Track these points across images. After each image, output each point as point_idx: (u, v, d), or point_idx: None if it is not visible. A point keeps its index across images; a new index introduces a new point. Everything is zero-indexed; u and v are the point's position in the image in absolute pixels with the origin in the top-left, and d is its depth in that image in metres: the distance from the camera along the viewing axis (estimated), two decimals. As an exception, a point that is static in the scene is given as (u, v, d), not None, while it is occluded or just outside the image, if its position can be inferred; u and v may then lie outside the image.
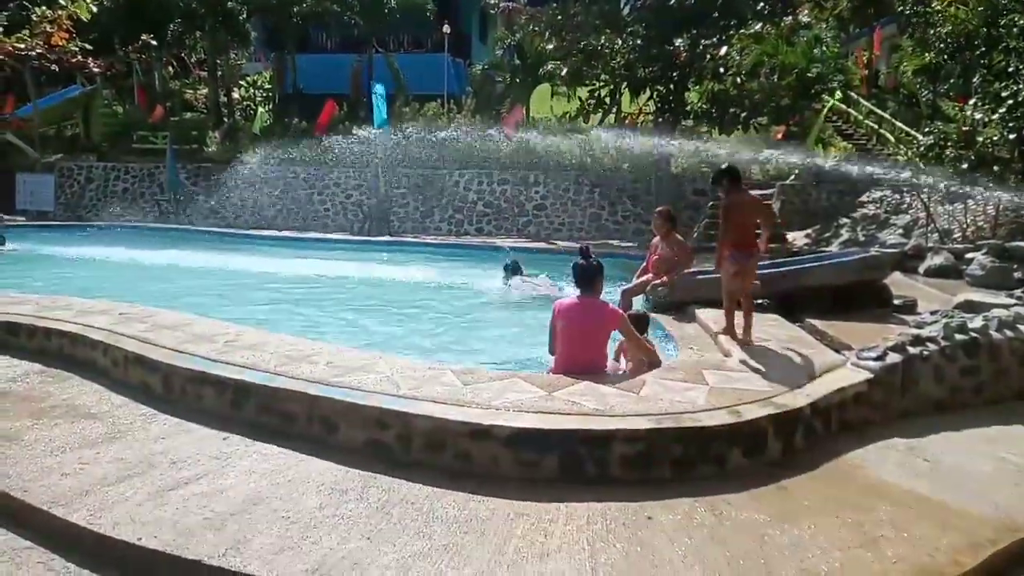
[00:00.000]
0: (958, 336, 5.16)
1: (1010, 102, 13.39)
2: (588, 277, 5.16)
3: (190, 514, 3.34)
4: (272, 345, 5.33)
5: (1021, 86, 13.39)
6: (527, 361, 6.36)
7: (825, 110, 18.99)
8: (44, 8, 18.76)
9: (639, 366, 5.16)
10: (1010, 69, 13.79)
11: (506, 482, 3.72)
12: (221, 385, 4.63)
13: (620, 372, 5.25)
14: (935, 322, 5.45)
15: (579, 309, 5.04)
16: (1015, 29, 13.34)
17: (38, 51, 19.98)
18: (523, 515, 3.41)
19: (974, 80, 15.88)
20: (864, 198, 16.38)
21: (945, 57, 16.43)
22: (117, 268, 13.60)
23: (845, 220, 15.75)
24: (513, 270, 11.42)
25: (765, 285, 7.58)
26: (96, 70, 24.83)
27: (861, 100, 22.02)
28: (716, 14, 20.37)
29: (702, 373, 4.81)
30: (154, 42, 27.17)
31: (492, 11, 31.68)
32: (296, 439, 4.20)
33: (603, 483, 3.73)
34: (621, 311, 5.31)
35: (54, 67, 21.22)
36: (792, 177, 18.40)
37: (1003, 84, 13.84)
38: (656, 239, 8.37)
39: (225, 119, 28.74)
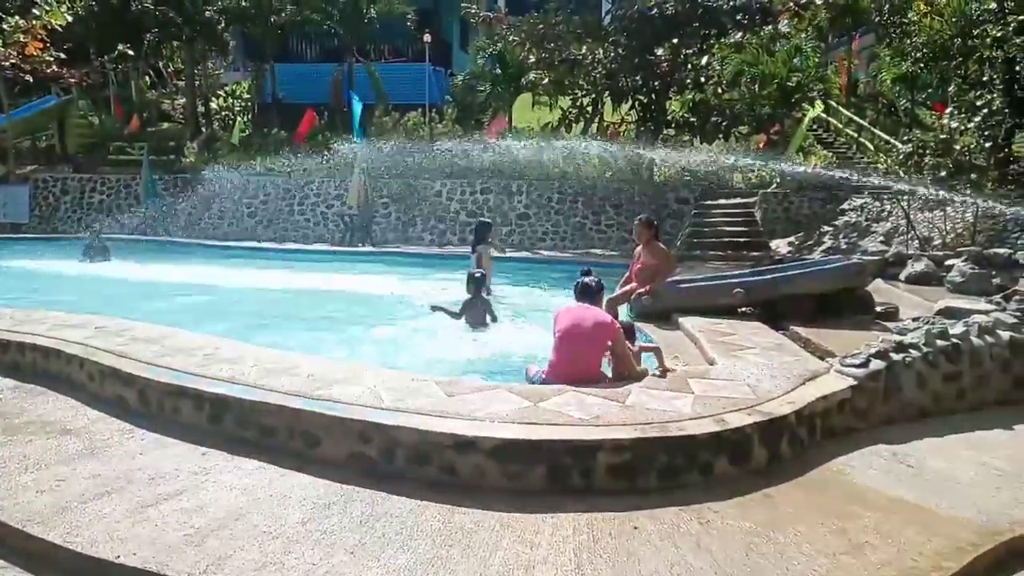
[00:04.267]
0: (940, 342, 5.21)
1: (985, 111, 13.64)
2: (590, 292, 5.37)
3: (170, 531, 3.28)
4: (252, 358, 5.26)
5: (995, 95, 13.65)
6: (511, 371, 6.33)
7: (807, 119, 19.19)
8: (17, 18, 18.52)
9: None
10: (984, 78, 14.04)
11: (492, 494, 3.69)
12: (199, 399, 4.56)
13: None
14: (917, 328, 5.49)
15: (578, 315, 5.09)
16: (988, 39, 13.58)
17: (11, 61, 19.72)
18: (509, 527, 3.38)
19: (950, 89, 16.15)
20: (845, 206, 16.56)
21: (922, 66, 16.70)
22: (91, 282, 13.38)
23: (827, 228, 15.91)
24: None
25: (749, 293, 7.63)
26: (71, 80, 24.56)
27: (841, 109, 22.31)
28: (696, 24, 20.56)
29: (687, 382, 4.82)
30: (131, 52, 26.94)
31: (473, 20, 31.77)
32: (277, 453, 4.15)
33: (589, 493, 3.71)
34: (617, 324, 5.31)
35: (28, 77, 20.96)
36: (774, 185, 18.57)
37: (978, 93, 14.10)
38: (638, 248, 8.39)
39: (203, 129, 28.53)
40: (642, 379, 5.10)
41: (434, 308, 8.52)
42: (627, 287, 8.24)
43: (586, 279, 5.60)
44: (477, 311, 8.33)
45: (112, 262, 15.44)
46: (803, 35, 25.59)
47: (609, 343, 5.13)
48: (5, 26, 18.39)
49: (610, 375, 5.38)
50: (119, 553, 3.11)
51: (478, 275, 8.56)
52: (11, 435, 4.49)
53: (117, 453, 4.21)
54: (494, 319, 8.40)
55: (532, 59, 23.55)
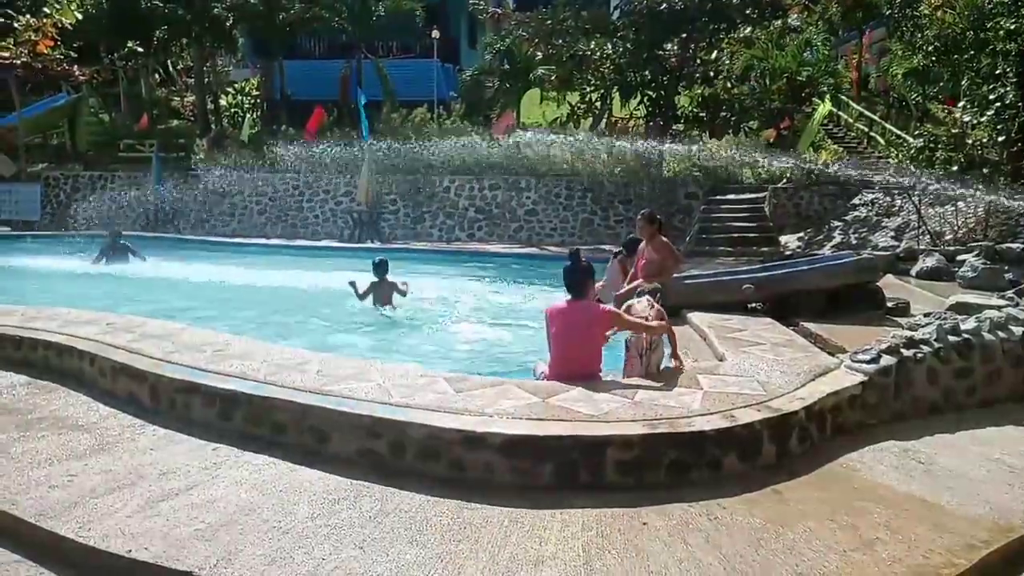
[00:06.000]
0: (951, 338, 5.17)
1: (998, 104, 13.54)
2: (577, 280, 5.10)
3: (180, 525, 3.30)
4: (262, 354, 5.28)
5: (1008, 88, 13.53)
6: (519, 368, 6.33)
7: (818, 116, 19.07)
8: (29, 16, 18.62)
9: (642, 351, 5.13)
10: (997, 72, 13.92)
11: (500, 489, 3.69)
12: (210, 395, 4.58)
13: (642, 371, 5.16)
14: (928, 324, 5.45)
15: (568, 312, 5.01)
16: (1001, 32, 13.46)
17: (23, 59, 19.83)
18: (517, 522, 3.38)
19: (962, 83, 16.02)
20: (856, 201, 16.47)
21: (933, 60, 16.57)
22: (98, 280, 13.39)
23: (837, 223, 15.84)
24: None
25: (759, 289, 7.60)
26: (81, 78, 24.65)
27: (851, 103, 22.19)
28: (705, 18, 20.48)
29: (696, 378, 4.80)
30: (140, 49, 27.03)
31: (481, 17, 31.74)
32: (287, 449, 4.16)
33: (598, 489, 3.71)
34: (612, 309, 5.24)
35: (40, 75, 21.08)
36: (784, 180, 18.49)
37: (991, 87, 13.99)
38: (643, 243, 8.35)
39: (212, 126, 28.63)
40: (664, 332, 5.12)
41: (351, 283, 9.45)
42: (633, 283, 8.21)
43: (572, 264, 5.20)
44: (384, 293, 9.52)
45: (135, 263, 14.53)
46: (813, 29, 25.48)
47: (609, 332, 5.07)
48: (16, 24, 18.48)
49: (639, 364, 5.30)
50: (130, 547, 3.13)
51: (377, 261, 9.67)
52: (24, 431, 4.52)
53: (128, 449, 4.24)
54: (403, 294, 9.59)
55: (540, 55, 23.53)
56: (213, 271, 13.75)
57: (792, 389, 4.52)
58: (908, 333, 5.32)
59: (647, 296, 5.65)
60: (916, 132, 16.59)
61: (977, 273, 9.70)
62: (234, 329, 7.04)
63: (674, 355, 5.23)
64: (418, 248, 18.22)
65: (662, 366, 5.19)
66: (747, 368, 5.04)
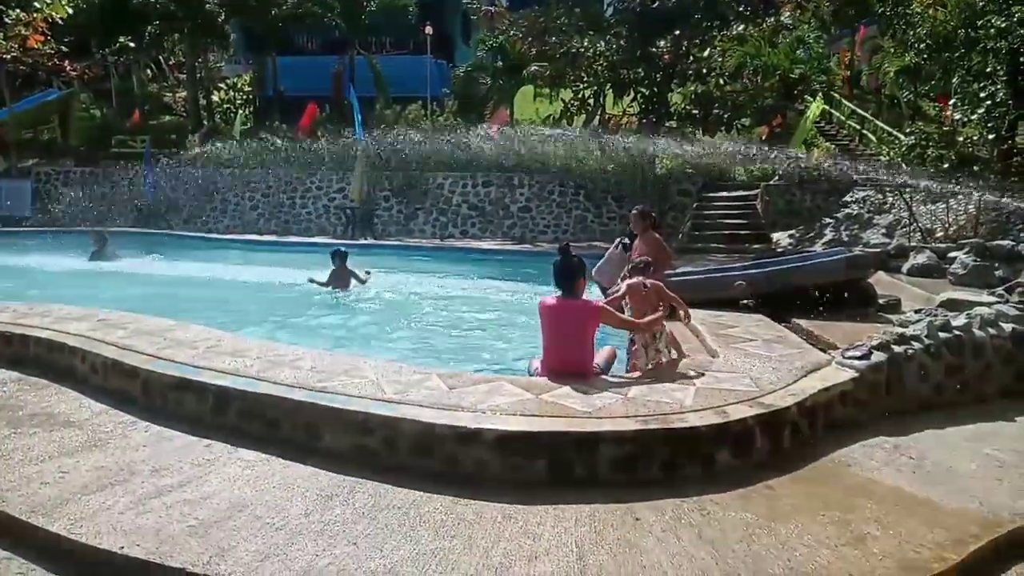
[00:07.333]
0: (942, 334, 5.20)
1: (988, 102, 13.61)
2: (567, 275, 5.07)
3: (173, 522, 3.29)
4: (255, 350, 5.27)
5: (999, 86, 13.60)
6: (513, 363, 6.34)
7: (811, 115, 19.14)
8: (19, 11, 18.45)
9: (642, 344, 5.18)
10: (988, 70, 13.99)
11: (494, 485, 3.70)
12: (203, 391, 4.57)
13: (648, 366, 5.16)
14: (919, 320, 5.48)
15: (559, 309, 5.00)
16: (992, 30, 13.52)
17: (13, 54, 19.68)
18: (511, 518, 3.39)
19: (954, 81, 16.09)
20: (847, 198, 16.54)
21: (925, 58, 16.64)
22: (94, 276, 13.32)
23: (829, 220, 15.91)
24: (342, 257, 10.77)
25: (751, 285, 7.63)
26: (73, 73, 24.49)
27: (844, 101, 22.26)
28: (698, 16, 20.52)
29: (689, 374, 4.81)
30: (131, 44, 26.90)
31: (474, 17, 31.71)
32: (280, 445, 4.15)
33: (591, 485, 3.72)
34: (602, 306, 5.21)
35: (31, 71, 20.93)
36: (776, 177, 18.55)
37: (981, 85, 14.06)
38: (636, 241, 8.37)
39: (204, 122, 28.51)
40: (658, 322, 5.16)
41: (310, 280, 10.59)
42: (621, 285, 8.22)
43: (563, 259, 5.13)
44: (342, 279, 10.62)
45: (121, 261, 14.47)
46: (806, 27, 25.53)
47: (598, 326, 5.08)
48: (6, 19, 18.32)
49: (642, 360, 5.30)
50: (123, 544, 3.12)
51: (343, 250, 10.85)
52: (15, 427, 4.50)
53: (120, 445, 4.22)
54: (363, 281, 10.76)
55: (533, 52, 23.55)
56: (202, 268, 13.69)
57: (784, 385, 4.54)
58: (899, 330, 5.35)
59: (640, 278, 5.64)
60: (908, 130, 16.67)
61: (967, 270, 9.74)
62: (229, 327, 7.01)
63: (685, 315, 5.48)
64: (411, 244, 18.22)
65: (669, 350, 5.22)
66: (739, 364, 5.06)
